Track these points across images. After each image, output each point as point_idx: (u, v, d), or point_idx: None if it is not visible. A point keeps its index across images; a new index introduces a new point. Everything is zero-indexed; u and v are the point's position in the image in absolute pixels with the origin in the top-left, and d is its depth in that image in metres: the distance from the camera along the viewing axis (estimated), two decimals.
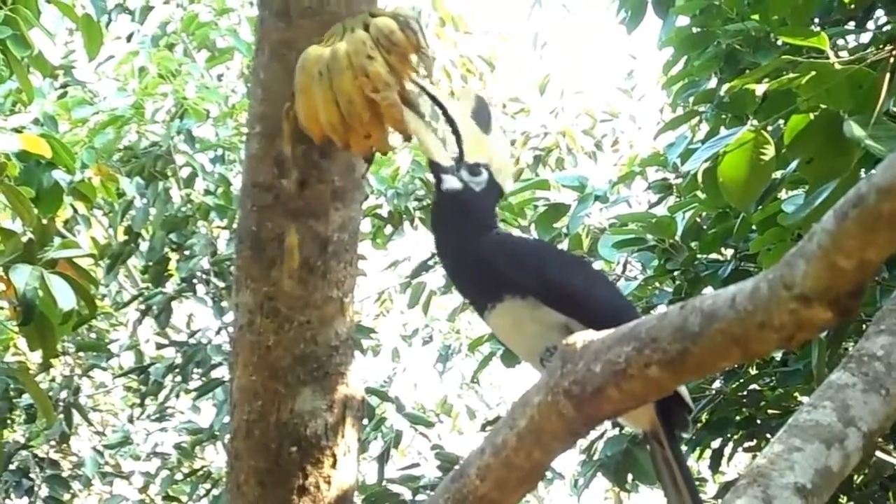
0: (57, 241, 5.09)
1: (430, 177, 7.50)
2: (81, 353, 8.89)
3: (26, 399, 7.73)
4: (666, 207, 6.05)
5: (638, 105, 11.90)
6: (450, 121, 3.04)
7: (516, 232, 6.65)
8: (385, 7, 3.02)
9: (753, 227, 4.92)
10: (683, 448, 3.44)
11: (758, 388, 5.93)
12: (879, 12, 5.69)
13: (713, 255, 5.72)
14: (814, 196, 4.02)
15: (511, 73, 11.65)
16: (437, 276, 9.26)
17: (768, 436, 5.47)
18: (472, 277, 3.08)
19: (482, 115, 3.10)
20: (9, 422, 8.39)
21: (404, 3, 10.19)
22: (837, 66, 3.74)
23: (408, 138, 2.96)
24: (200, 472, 8.97)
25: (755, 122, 3.98)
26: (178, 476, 9.24)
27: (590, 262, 5.35)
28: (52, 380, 8.86)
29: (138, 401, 9.14)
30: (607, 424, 5.91)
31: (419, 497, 7.17)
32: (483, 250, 3.00)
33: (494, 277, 2.98)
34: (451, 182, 3.06)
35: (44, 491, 8.31)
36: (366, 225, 8.06)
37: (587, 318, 2.92)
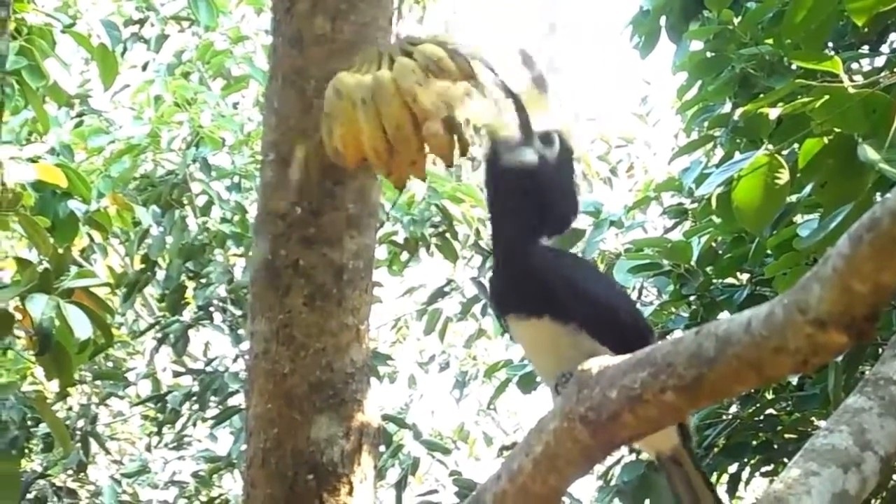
0: (73, 270, 5.10)
1: (448, 205, 7.52)
2: (98, 382, 8.91)
3: (43, 428, 7.75)
4: (681, 232, 6.05)
5: (652, 130, 11.85)
6: (510, 93, 2.86)
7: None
8: (399, 34, 3.02)
9: (769, 251, 4.92)
10: None
11: (774, 412, 5.90)
12: (893, 36, 5.70)
13: (729, 280, 5.71)
14: (828, 220, 4.01)
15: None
16: (453, 303, 9.27)
17: (785, 460, 5.44)
18: (516, 285, 2.94)
19: (534, 72, 2.91)
20: (26, 451, 8.41)
21: (414, 31, 10.21)
22: (851, 90, 3.73)
23: (450, 164, 2.93)
24: (218, 501, 8.97)
25: (769, 146, 3.97)
26: None
27: (625, 289, 5.22)
28: (70, 409, 8.90)
29: (156, 429, 9.16)
30: (624, 450, 5.90)
31: None
32: (535, 263, 2.88)
33: (542, 295, 2.88)
34: (524, 155, 2.89)
35: None
36: (381, 252, 8.05)
37: (625, 349, 2.87)
